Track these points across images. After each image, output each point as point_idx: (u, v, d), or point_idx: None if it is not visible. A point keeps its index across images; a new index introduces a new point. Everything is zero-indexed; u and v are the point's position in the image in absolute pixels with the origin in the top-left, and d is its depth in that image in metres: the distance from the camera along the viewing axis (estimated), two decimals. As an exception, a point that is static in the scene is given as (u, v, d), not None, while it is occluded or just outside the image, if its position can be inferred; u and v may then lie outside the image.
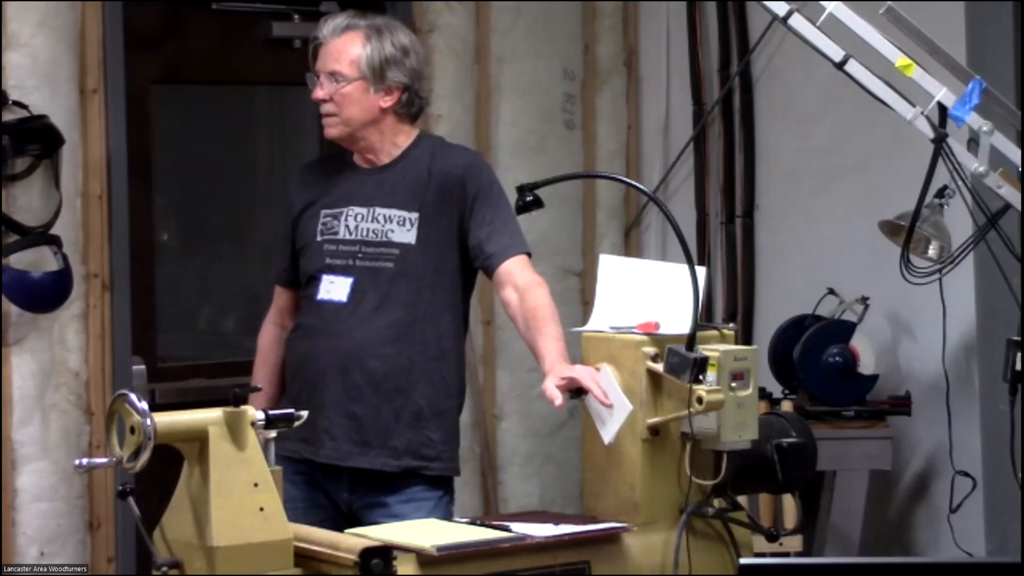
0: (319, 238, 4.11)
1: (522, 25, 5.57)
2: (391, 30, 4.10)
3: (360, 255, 4.07)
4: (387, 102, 4.08)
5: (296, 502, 4.02)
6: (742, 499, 3.66)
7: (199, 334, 5.46)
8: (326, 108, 4.07)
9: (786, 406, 5.09)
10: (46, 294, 4.63)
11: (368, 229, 4.07)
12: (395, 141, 4.12)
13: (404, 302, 4.03)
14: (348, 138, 4.11)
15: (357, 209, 4.09)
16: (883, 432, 5.15)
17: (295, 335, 4.14)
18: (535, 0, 5.58)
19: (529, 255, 4.06)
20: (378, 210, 4.08)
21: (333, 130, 4.09)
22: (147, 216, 5.05)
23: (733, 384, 3.40)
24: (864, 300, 5.19)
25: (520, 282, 3.96)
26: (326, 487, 4.07)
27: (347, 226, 4.09)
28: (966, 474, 4.97)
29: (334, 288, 4.06)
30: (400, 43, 4.09)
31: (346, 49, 4.06)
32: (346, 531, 3.37)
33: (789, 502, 4.93)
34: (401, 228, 4.05)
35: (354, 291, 4.04)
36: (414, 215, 4.05)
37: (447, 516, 4.04)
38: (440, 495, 4.07)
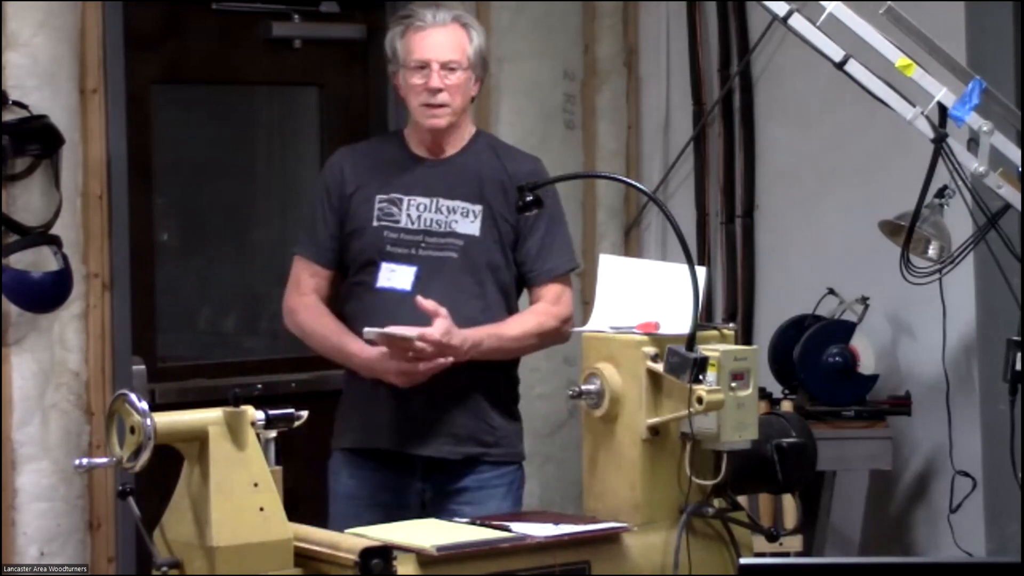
0: (376, 223, 4.13)
1: (522, 25, 5.57)
2: (474, 23, 4.20)
3: (423, 244, 4.10)
4: (474, 92, 4.18)
5: (358, 500, 4.10)
6: (742, 499, 3.66)
7: (199, 334, 5.46)
8: (441, 98, 4.09)
9: (786, 406, 5.09)
10: (46, 294, 4.63)
11: (431, 219, 4.10)
12: (462, 133, 4.19)
13: (468, 293, 4.08)
14: (445, 128, 4.13)
15: (419, 199, 4.12)
16: (883, 432, 5.15)
17: (355, 322, 4.12)
18: (535, 0, 5.58)
19: (576, 267, 4.24)
20: (441, 201, 4.12)
21: (441, 120, 4.11)
22: (147, 216, 5.05)
23: (733, 384, 3.40)
24: (864, 300, 5.19)
25: (548, 308, 4.13)
26: (396, 481, 4.10)
27: (408, 215, 4.12)
28: (966, 474, 4.97)
29: (395, 276, 4.08)
30: (483, 35, 4.19)
31: (457, 39, 4.11)
32: (346, 531, 3.37)
33: (789, 502, 4.93)
34: (465, 219, 4.10)
35: (418, 280, 4.06)
36: (477, 207, 4.11)
37: (518, 502, 4.15)
38: (510, 481, 4.14)
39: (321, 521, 3.37)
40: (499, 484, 4.13)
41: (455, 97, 4.10)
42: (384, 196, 4.14)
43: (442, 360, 3.96)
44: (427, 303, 3.95)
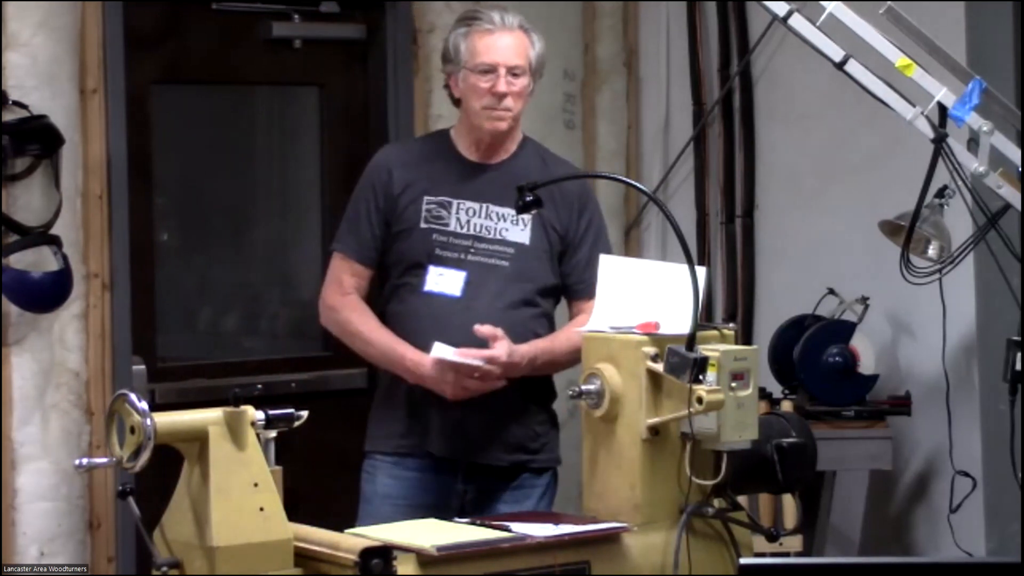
0: (423, 225, 4.10)
1: (522, 25, 5.56)
2: (534, 28, 4.20)
3: (473, 250, 4.09)
4: (529, 100, 4.17)
5: (397, 501, 4.06)
6: (742, 499, 3.66)
7: (199, 334, 5.46)
8: (507, 103, 4.08)
9: (786, 406, 5.08)
10: (46, 294, 4.63)
11: (481, 225, 4.09)
12: (514, 139, 4.19)
13: (517, 300, 4.07)
14: (504, 132, 4.13)
15: (468, 203, 4.11)
16: (883, 432, 5.15)
17: (400, 324, 4.10)
18: (535, 0, 5.57)
19: None
20: (491, 207, 4.11)
21: (504, 124, 4.10)
22: (147, 216, 5.05)
23: (733, 384, 3.40)
24: (864, 300, 5.19)
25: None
26: (438, 482, 4.08)
27: (458, 219, 4.10)
28: (966, 474, 4.97)
29: (443, 281, 4.06)
30: (543, 42, 4.20)
31: (523, 44, 4.11)
32: (346, 531, 3.37)
33: (789, 502, 4.93)
34: (515, 227, 4.09)
35: (467, 285, 4.05)
36: (527, 216, 4.07)
37: (551, 504, 4.17)
38: (547, 484, 4.16)
39: (323, 522, 3.36)
40: (537, 486, 4.15)
41: (517, 102, 4.09)
42: (432, 198, 4.11)
43: (500, 382, 3.99)
44: (484, 329, 3.95)
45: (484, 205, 4.11)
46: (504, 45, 4.08)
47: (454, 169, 4.14)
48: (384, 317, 4.17)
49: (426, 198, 4.11)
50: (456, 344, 3.98)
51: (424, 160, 4.18)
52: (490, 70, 4.07)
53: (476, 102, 4.09)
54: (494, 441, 4.08)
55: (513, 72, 4.08)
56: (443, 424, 4.07)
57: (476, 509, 4.03)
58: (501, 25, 4.10)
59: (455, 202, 4.11)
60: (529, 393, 4.12)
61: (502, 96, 4.06)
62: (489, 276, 4.07)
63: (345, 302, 4.17)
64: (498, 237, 4.09)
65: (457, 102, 4.18)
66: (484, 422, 4.06)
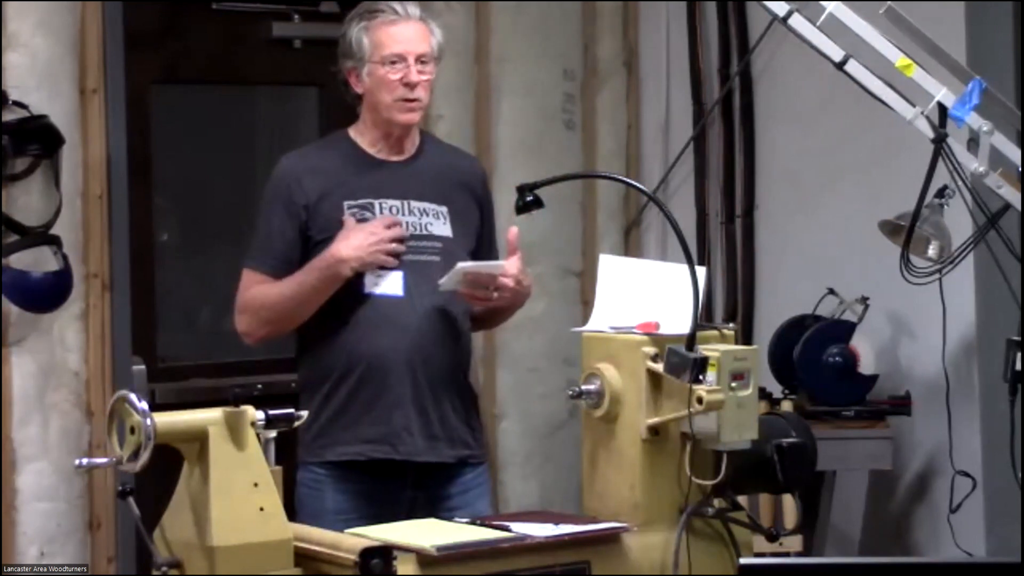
0: None
1: (522, 25, 5.57)
2: (430, 18, 4.15)
3: (404, 248, 4.05)
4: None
5: (346, 514, 3.97)
6: (742, 499, 3.66)
7: (199, 334, 5.46)
8: (418, 92, 4.04)
9: (786, 406, 5.09)
10: (46, 294, 4.63)
11: (407, 222, 4.04)
12: (416, 131, 4.15)
13: (451, 294, 4.03)
14: (413, 125, 4.10)
15: (391, 201, 4.06)
16: (883, 432, 5.15)
17: (344, 328, 4.03)
18: (535, 0, 5.58)
19: None
20: (413, 203, 4.06)
21: (417, 115, 4.07)
22: (147, 216, 5.06)
23: (733, 384, 3.40)
24: (864, 300, 5.19)
25: None
26: (385, 490, 4.04)
27: None
28: (966, 474, 4.98)
29: (383, 282, 4.01)
30: (441, 31, 4.15)
31: (425, 33, 4.06)
32: (346, 531, 3.37)
33: (789, 502, 4.93)
34: (437, 221, 4.07)
35: (407, 284, 4.02)
36: (444, 208, 4.07)
37: (490, 502, 4.19)
38: (486, 479, 4.16)
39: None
40: (481, 483, 4.13)
41: (426, 93, 4.06)
42: (353, 202, 4.04)
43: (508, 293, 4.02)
44: (511, 235, 3.98)
45: (405, 202, 4.06)
46: (410, 35, 4.04)
47: (366, 170, 4.08)
48: (320, 323, 4.05)
49: (347, 203, 4.03)
50: (405, 342, 3.96)
51: (332, 165, 4.09)
52: (398, 60, 4.02)
53: (387, 95, 4.03)
54: (441, 438, 4.04)
55: (421, 61, 4.04)
56: (389, 427, 4.00)
57: (426, 514, 3.91)
58: (405, 15, 4.05)
59: (376, 202, 4.05)
60: (461, 387, 4.10)
61: (413, 86, 4.03)
62: (425, 272, 4.02)
63: (246, 295, 4.10)
64: (425, 232, 4.05)
65: (357, 99, 4.12)
66: (428, 420, 4.02)
